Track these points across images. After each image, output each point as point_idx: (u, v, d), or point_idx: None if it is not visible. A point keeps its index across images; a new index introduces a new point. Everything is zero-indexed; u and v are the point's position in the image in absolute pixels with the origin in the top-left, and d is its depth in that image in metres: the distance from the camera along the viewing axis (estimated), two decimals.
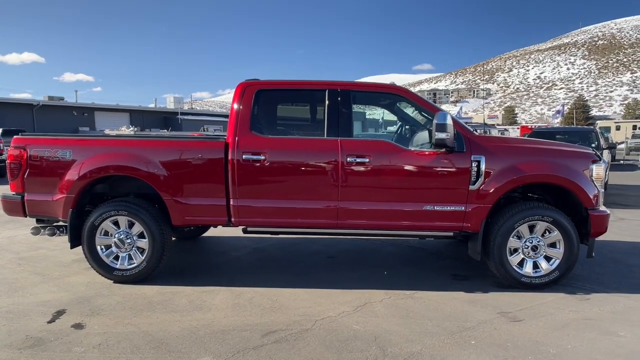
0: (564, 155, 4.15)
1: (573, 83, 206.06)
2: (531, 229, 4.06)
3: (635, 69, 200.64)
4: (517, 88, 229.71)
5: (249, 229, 4.18)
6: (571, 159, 4.12)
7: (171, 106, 58.52)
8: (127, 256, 4.20)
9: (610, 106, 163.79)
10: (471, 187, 3.98)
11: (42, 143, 4.22)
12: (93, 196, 4.38)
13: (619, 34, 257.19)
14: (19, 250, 5.36)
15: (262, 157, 4.00)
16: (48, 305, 3.68)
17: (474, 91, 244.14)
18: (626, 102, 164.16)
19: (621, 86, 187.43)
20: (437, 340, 3.09)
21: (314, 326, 3.30)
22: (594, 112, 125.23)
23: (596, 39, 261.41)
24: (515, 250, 4.09)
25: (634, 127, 37.94)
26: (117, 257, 4.21)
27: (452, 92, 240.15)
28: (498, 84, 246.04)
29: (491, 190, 3.97)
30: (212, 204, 4.10)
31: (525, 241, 4.07)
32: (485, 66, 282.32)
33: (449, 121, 3.75)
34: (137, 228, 4.13)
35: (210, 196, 4.10)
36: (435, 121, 3.75)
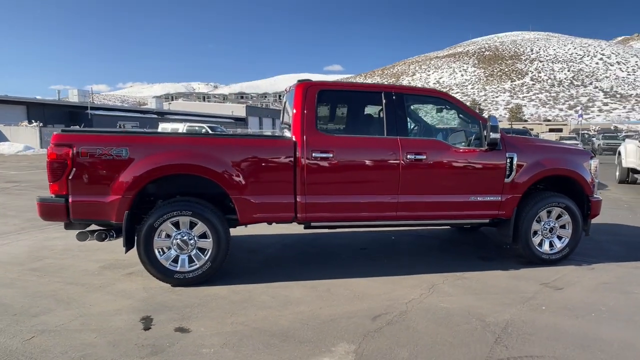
0: (571, 152, 4.99)
1: (466, 88, 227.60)
2: (548, 213, 4.82)
3: (514, 78, 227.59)
4: None
5: (312, 224, 4.36)
6: (576, 155, 4.96)
7: (74, 99, 53.21)
8: (187, 258, 4.12)
9: (497, 110, 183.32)
10: (506, 180, 4.62)
11: (93, 140, 3.93)
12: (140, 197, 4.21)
13: (501, 46, 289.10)
14: (22, 261, 4.84)
15: (331, 155, 4.21)
16: (123, 313, 3.50)
17: None
18: (509, 106, 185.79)
19: (504, 92, 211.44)
20: (517, 310, 3.63)
21: (408, 308, 3.64)
22: (486, 115, 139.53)
23: (483, 50, 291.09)
24: (535, 232, 4.83)
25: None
26: (175, 260, 4.10)
27: None
28: None
29: (521, 182, 4.65)
30: (280, 202, 4.21)
31: (543, 224, 4.82)
32: (391, 69, 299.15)
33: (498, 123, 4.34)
34: (199, 228, 4.07)
35: (278, 193, 4.20)
36: (490, 123, 4.32)
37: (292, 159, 4.16)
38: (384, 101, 4.45)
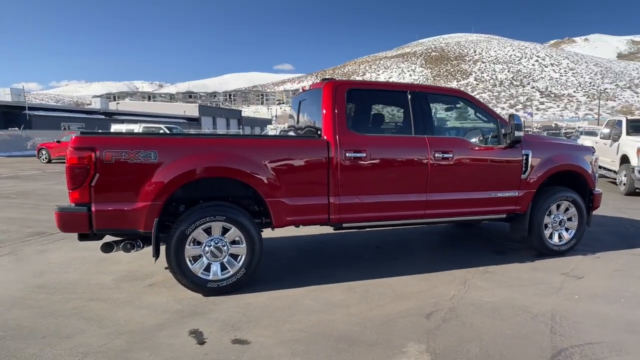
0: (577, 149, 5.28)
1: None
2: (557, 207, 5.08)
3: (460, 78, 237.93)
4: None
5: (344, 225, 4.32)
6: (581, 151, 5.27)
7: (7, 98, 48.97)
8: (219, 265, 3.94)
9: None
10: (522, 176, 4.81)
11: (118, 143, 3.66)
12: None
13: (446, 47, 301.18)
14: (21, 278, 4.41)
15: (364, 155, 4.19)
16: (167, 328, 3.28)
17: None
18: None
19: None
20: (554, 300, 3.79)
21: (455, 304, 3.70)
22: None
23: (430, 50, 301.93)
24: (546, 225, 5.07)
25: None
26: (207, 268, 3.92)
27: None
28: None
29: (536, 178, 4.86)
30: (315, 203, 4.13)
31: (553, 217, 5.07)
32: (342, 69, 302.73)
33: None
34: (232, 234, 3.91)
35: (313, 195, 4.12)
36: (514, 122, 4.47)
37: (326, 159, 4.09)
38: (410, 100, 4.49)
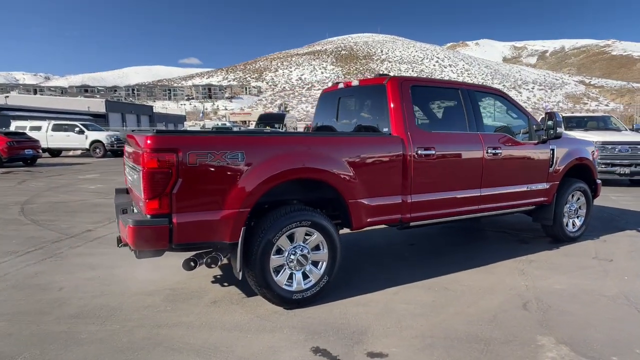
0: (584, 143, 5.79)
1: (327, 85, 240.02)
2: (572, 197, 5.54)
3: (369, 76, 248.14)
4: (284, 87, 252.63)
5: (411, 224, 4.25)
6: (587, 145, 5.78)
7: None
8: (301, 275, 3.65)
9: None
10: (550, 169, 5.17)
11: (203, 143, 3.18)
12: None
13: (355, 46, 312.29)
14: (42, 308, 3.64)
15: (432, 152, 4.16)
16: (280, 351, 2.95)
17: (246, 88, 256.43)
18: None
19: None
20: (612, 282, 4.13)
21: (537, 295, 3.84)
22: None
23: (340, 49, 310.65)
24: (564, 214, 5.51)
25: None
26: (289, 278, 3.60)
27: (225, 88, 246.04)
28: (267, 83, 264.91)
29: (560, 171, 5.25)
30: (391, 203, 4.00)
31: (569, 206, 5.53)
32: (254, 65, 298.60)
33: None
34: (315, 240, 3.65)
35: (389, 194, 3.99)
36: (556, 119, 4.75)
37: (401, 156, 3.99)
38: (462, 97, 4.56)
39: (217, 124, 54.96)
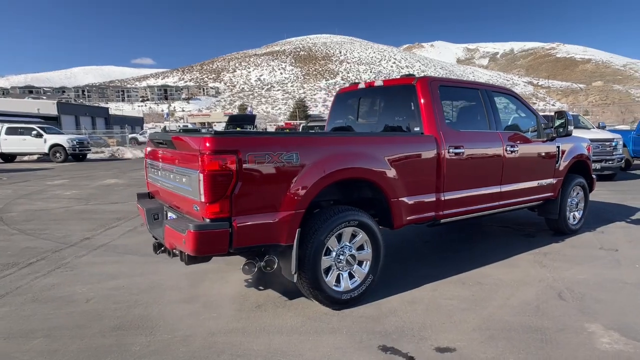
0: (581, 140, 6.12)
1: (287, 86, 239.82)
2: (573, 191, 5.86)
3: (328, 77, 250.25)
4: (243, 88, 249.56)
5: (442, 221, 4.35)
6: (584, 142, 6.13)
7: None
8: (348, 275, 3.66)
9: (316, 107, 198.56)
10: (556, 166, 5.44)
11: (261, 144, 3.11)
12: None
13: (314, 47, 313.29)
14: (100, 329, 3.46)
15: (462, 150, 4.28)
16: (348, 353, 2.96)
17: (203, 89, 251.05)
18: (325, 103, 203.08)
19: (321, 90, 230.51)
20: (629, 270, 4.42)
21: (566, 285, 4.04)
22: (309, 111, 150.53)
23: (299, 49, 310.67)
24: (567, 208, 5.82)
25: None
26: (337, 279, 3.60)
27: (182, 89, 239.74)
28: (225, 83, 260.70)
29: (564, 167, 5.55)
30: (427, 201, 4.08)
31: (570, 201, 5.84)
32: (211, 65, 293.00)
33: None
34: (360, 239, 3.67)
35: (425, 192, 4.07)
36: (567, 117, 5.00)
37: (435, 155, 4.08)
38: (482, 97, 4.72)
39: (179, 126, 53.53)
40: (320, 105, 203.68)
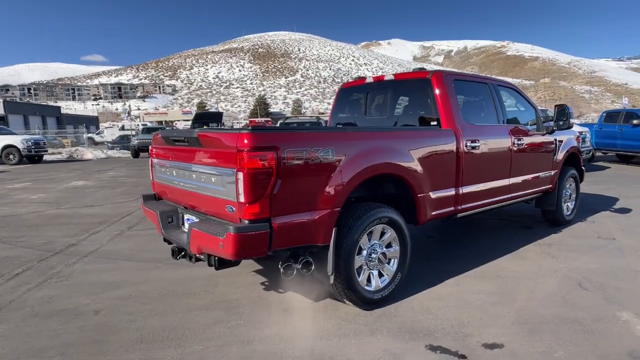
0: (571, 133, 6.31)
1: (246, 83, 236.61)
2: (567, 183, 6.04)
3: (287, 74, 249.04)
4: (201, 85, 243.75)
5: (458, 215, 4.33)
6: (573, 135, 6.32)
7: None
8: (377, 273, 3.56)
9: (277, 104, 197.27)
10: (554, 158, 5.58)
11: (299, 140, 2.94)
12: None
13: (272, 44, 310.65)
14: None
15: (478, 144, 4.28)
16: (396, 354, 2.86)
17: (159, 87, 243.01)
18: (285, 101, 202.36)
19: (280, 88, 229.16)
20: (629, 257, 4.59)
21: (581, 275, 4.13)
22: (270, 109, 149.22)
23: (257, 47, 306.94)
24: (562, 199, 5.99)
25: None
26: (367, 278, 3.49)
27: (137, 87, 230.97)
28: (182, 81, 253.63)
29: (560, 159, 5.70)
30: (448, 195, 4.04)
31: (565, 191, 6.02)
32: (167, 62, 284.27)
33: None
34: (389, 237, 3.58)
35: (446, 187, 4.03)
36: (568, 110, 5.12)
37: (455, 149, 4.05)
38: (490, 91, 4.75)
39: (138, 125, 51.39)
40: (281, 102, 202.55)
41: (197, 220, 3.28)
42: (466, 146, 4.15)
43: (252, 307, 3.59)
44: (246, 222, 2.76)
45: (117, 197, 9.69)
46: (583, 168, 6.46)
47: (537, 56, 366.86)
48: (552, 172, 5.61)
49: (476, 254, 4.87)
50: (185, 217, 3.56)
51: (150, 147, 4.11)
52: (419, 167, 3.70)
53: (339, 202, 3.11)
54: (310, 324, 3.26)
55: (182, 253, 3.47)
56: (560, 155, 5.70)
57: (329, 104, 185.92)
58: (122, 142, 30.81)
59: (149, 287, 4.07)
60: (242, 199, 2.72)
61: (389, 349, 2.88)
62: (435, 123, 4.17)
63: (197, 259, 3.34)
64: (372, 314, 3.41)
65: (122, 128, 50.41)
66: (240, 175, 2.70)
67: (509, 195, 4.88)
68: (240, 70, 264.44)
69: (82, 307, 3.66)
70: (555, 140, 5.58)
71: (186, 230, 3.51)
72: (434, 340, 2.97)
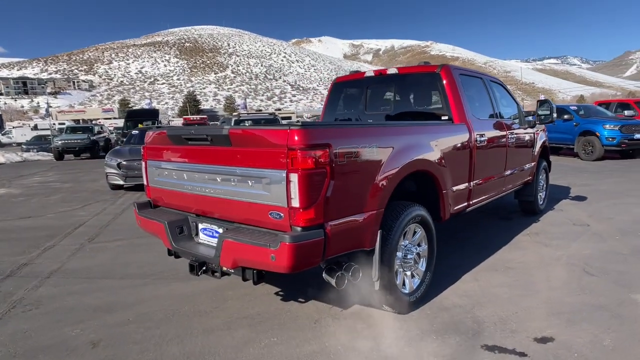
0: (544, 130, 6.63)
1: (172, 79, 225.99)
2: (540, 174, 6.35)
3: (217, 70, 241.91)
4: (122, 81, 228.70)
5: (467, 210, 4.32)
6: (545, 132, 6.65)
7: None
8: (410, 274, 3.42)
9: (207, 101, 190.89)
10: (533, 151, 5.82)
11: (349, 136, 2.69)
12: None
13: (200, 39, 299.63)
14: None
15: (485, 139, 4.30)
16: (451, 357, 2.76)
17: (74, 82, 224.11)
18: (216, 97, 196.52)
19: (210, 84, 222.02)
20: (610, 242, 4.92)
21: (585, 262, 4.31)
22: (201, 106, 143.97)
23: (183, 41, 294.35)
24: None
25: None
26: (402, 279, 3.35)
27: (46, 82, 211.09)
28: (100, 76, 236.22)
29: (537, 153, 5.96)
30: (463, 189, 4.01)
31: (539, 181, 6.32)
32: (81, 55, 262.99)
33: None
34: (419, 236, 3.46)
35: (462, 182, 3.99)
36: (551, 105, 5.31)
37: (468, 143, 4.03)
38: (486, 86, 4.80)
39: (54, 124, 46.78)
40: (211, 99, 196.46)
41: (224, 230, 2.90)
42: (477, 140, 4.15)
43: (278, 321, 3.29)
44: (299, 229, 2.47)
45: (56, 205, 8.63)
46: (550, 160, 6.84)
47: (457, 56, 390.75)
48: (532, 164, 5.86)
49: (478, 247, 4.93)
50: (201, 226, 3.16)
51: (142, 148, 3.61)
52: (443, 162, 3.61)
53: (383, 202, 2.93)
54: (353, 334, 3.05)
55: (204, 268, 3.06)
56: (537, 149, 5.96)
57: (261, 100, 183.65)
58: (38, 143, 27.76)
59: (148, 308, 3.59)
60: (295, 203, 2.43)
61: (447, 355, 2.75)
62: (446, 117, 4.12)
63: (224, 274, 2.97)
64: (411, 317, 3.27)
65: (36, 127, 45.58)
66: (294, 177, 2.40)
67: (504, 188, 5.00)
68: (165, 66, 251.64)
69: (73, 339, 3.11)
70: (534, 133, 5.83)
71: (203, 242, 3.13)
72: (486, 340, 2.90)
